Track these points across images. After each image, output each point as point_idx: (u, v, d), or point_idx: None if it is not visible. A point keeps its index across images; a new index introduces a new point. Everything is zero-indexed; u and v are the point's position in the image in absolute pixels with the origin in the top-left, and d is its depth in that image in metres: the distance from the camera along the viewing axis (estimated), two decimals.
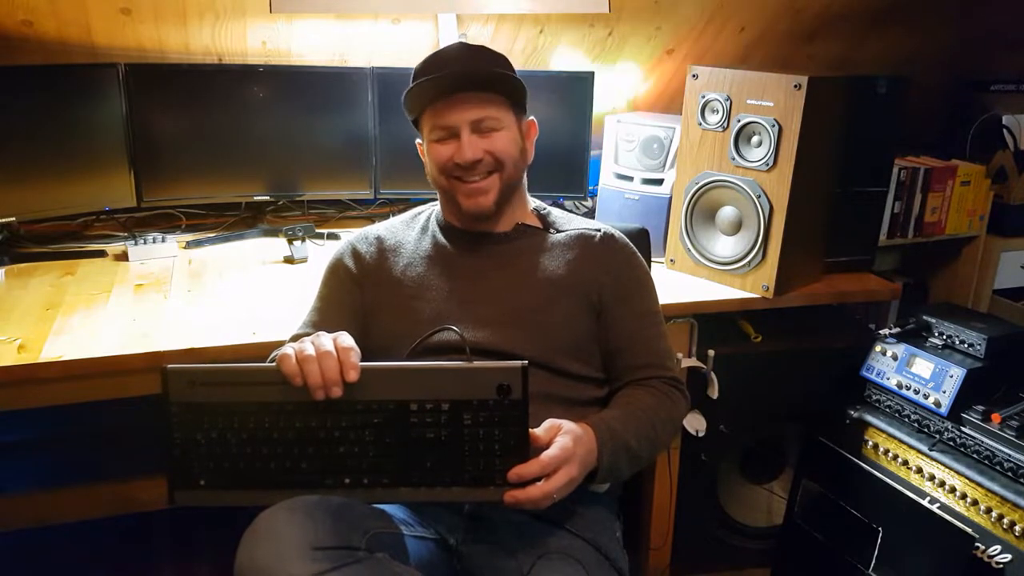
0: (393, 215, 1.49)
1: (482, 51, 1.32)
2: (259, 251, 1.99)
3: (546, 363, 1.24)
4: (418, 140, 1.36)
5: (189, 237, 2.04)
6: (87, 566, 1.95)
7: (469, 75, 1.25)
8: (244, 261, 1.91)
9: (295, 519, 0.95)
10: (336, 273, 1.36)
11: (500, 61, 1.31)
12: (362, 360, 1.02)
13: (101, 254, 1.92)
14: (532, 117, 1.36)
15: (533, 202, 1.42)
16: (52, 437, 1.84)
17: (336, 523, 0.97)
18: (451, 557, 1.18)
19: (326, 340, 1.01)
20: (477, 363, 1.04)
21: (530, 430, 1.03)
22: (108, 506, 1.69)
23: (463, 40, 1.35)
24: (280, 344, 1.31)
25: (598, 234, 1.36)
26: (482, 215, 1.30)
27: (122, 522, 1.77)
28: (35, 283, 1.73)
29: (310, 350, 0.99)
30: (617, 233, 1.39)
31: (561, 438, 1.05)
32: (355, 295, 1.33)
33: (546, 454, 1.02)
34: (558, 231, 1.37)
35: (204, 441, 1.00)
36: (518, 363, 1.00)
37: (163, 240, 1.93)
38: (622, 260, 1.35)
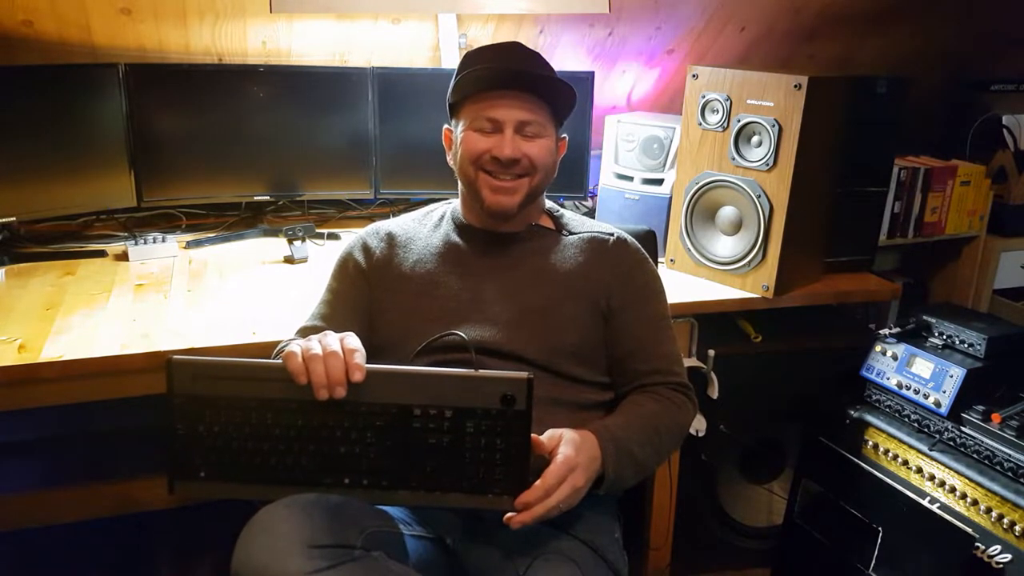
0: (393, 215, 1.49)
1: (538, 57, 1.31)
2: (259, 251, 1.99)
3: (550, 366, 1.24)
4: (447, 126, 1.35)
5: (189, 237, 2.03)
6: (87, 566, 1.94)
7: (532, 75, 1.24)
8: (244, 261, 1.91)
9: (292, 516, 0.95)
10: (345, 267, 1.36)
11: (553, 71, 1.31)
12: (368, 359, 1.02)
13: (101, 254, 1.92)
14: (565, 136, 1.35)
15: (546, 203, 1.41)
16: (52, 437, 1.84)
17: (333, 521, 0.97)
18: (448, 556, 1.18)
19: (333, 340, 1.01)
20: (483, 372, 1.03)
21: (533, 436, 1.03)
22: (108, 506, 1.69)
23: (519, 41, 1.33)
24: (280, 343, 1.32)
25: (611, 238, 1.36)
26: (504, 214, 1.29)
27: (122, 522, 1.77)
28: (35, 283, 1.73)
29: (316, 349, 0.99)
30: (630, 238, 1.38)
31: (563, 448, 1.04)
32: (363, 290, 1.33)
33: (548, 472, 1.02)
34: (571, 233, 1.37)
35: (206, 434, 1.00)
36: (524, 374, 1.00)
37: (163, 240, 1.92)
38: (633, 265, 1.35)
